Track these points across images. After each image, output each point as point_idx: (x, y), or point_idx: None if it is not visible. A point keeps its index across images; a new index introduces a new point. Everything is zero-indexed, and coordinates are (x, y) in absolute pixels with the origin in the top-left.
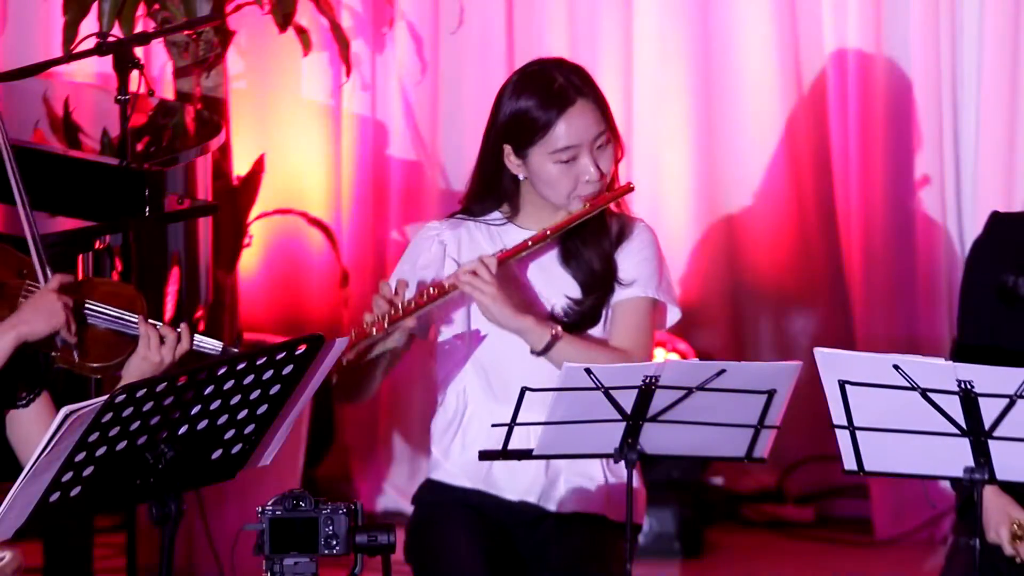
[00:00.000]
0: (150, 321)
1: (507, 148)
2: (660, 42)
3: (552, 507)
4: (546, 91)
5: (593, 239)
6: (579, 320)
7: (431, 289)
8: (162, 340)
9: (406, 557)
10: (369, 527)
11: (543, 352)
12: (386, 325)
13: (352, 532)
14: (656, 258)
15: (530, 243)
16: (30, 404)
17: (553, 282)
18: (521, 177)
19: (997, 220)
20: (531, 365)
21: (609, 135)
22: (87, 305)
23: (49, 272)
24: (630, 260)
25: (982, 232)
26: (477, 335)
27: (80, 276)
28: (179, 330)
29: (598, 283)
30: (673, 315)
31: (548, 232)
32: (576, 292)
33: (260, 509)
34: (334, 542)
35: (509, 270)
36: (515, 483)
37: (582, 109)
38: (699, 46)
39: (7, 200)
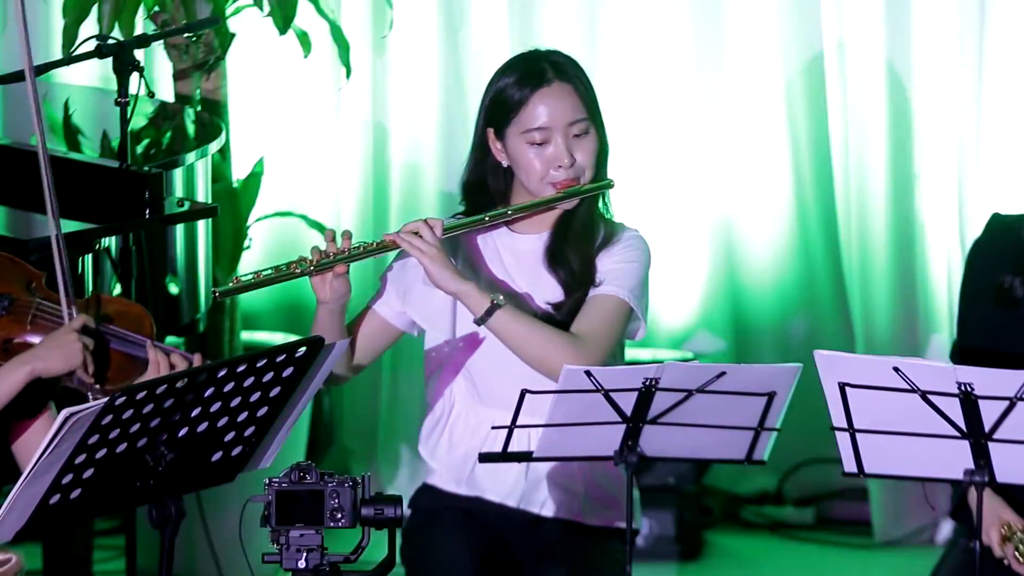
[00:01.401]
0: (159, 345)
1: (490, 132)
2: (660, 43)
3: (534, 510)
4: (526, 70)
5: (576, 239)
6: (559, 325)
7: (371, 243)
8: (172, 368)
9: (402, 560)
10: (376, 500)
11: (483, 320)
12: (312, 268)
13: (358, 505)
14: (638, 264)
15: (487, 218)
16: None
17: (539, 290)
18: (504, 164)
19: (997, 222)
20: (517, 369)
21: (589, 126)
22: (102, 327)
23: (74, 311)
24: (610, 260)
25: (982, 233)
26: (464, 338)
27: (92, 294)
28: (192, 358)
29: (577, 283)
30: (641, 331)
31: (509, 212)
32: (559, 297)
33: (267, 481)
34: (339, 515)
35: (464, 245)
36: (496, 485)
37: (559, 91)
38: (699, 47)
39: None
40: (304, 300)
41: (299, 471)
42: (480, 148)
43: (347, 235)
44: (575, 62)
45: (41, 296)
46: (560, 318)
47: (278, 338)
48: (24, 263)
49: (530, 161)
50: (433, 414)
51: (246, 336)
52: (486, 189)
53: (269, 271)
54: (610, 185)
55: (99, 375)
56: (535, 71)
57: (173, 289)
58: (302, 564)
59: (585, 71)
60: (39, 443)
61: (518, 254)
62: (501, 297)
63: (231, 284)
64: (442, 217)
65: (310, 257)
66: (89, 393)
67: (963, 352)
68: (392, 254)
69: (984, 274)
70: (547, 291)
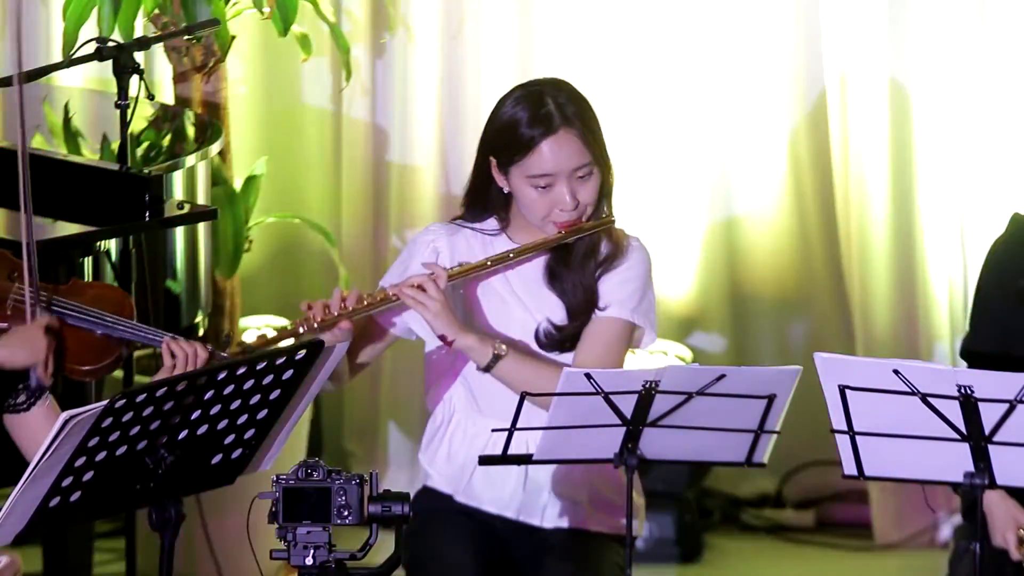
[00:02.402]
0: (178, 338)
1: (493, 161)
2: (662, 50)
3: (533, 521)
4: (533, 112)
5: (578, 265)
6: (559, 342)
7: (375, 296)
8: (196, 355)
9: (402, 562)
10: (383, 497)
11: (487, 369)
12: (316, 325)
13: (365, 502)
14: (640, 279)
15: (488, 263)
16: (31, 408)
17: (539, 303)
18: (506, 191)
19: (1019, 221)
20: None
21: (593, 167)
22: (76, 308)
23: (38, 311)
24: (613, 280)
25: (1003, 233)
26: None
27: (71, 280)
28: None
29: (580, 309)
30: (648, 339)
31: (511, 255)
32: (560, 314)
33: (275, 477)
34: (346, 512)
35: (465, 287)
36: (494, 496)
37: (564, 139)
38: (701, 54)
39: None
40: (305, 291)
41: (306, 468)
42: (482, 169)
43: (352, 292)
44: (579, 100)
45: (21, 283)
46: (563, 336)
47: (278, 323)
48: (7, 253)
49: (533, 201)
50: (433, 422)
51: (246, 321)
52: (487, 205)
53: (272, 332)
54: (611, 222)
55: (79, 356)
56: (541, 116)
57: (173, 292)
58: (309, 561)
59: (589, 104)
60: (38, 428)
61: (520, 270)
62: (504, 347)
63: (236, 350)
64: (442, 221)
65: (313, 313)
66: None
67: (976, 354)
68: (396, 240)
69: (1004, 273)
70: (549, 307)
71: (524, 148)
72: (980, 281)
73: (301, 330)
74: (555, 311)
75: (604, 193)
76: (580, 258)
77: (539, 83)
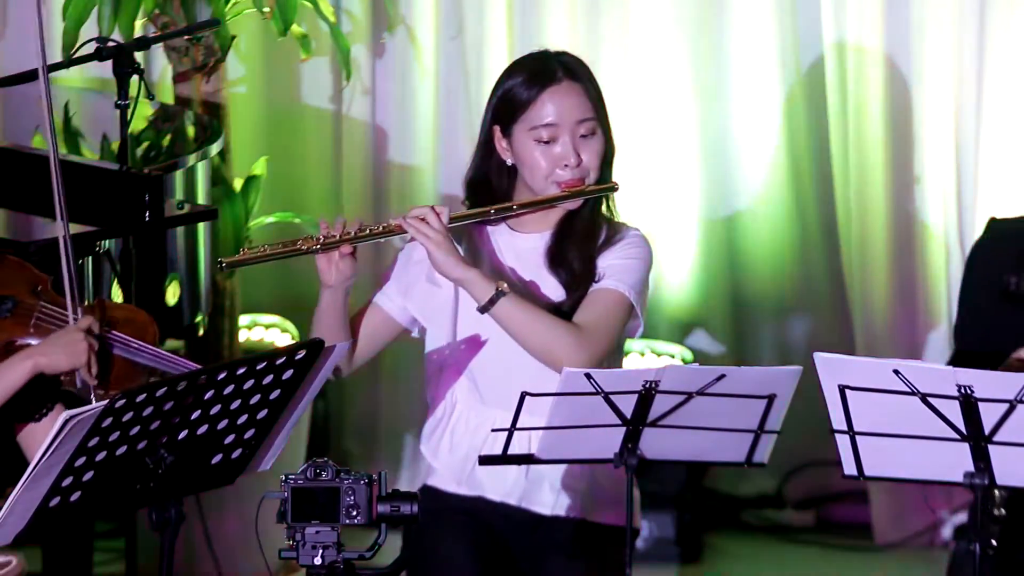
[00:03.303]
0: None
1: (496, 130)
2: (659, 48)
3: (535, 509)
4: (536, 69)
5: (579, 240)
6: (563, 316)
7: (377, 226)
8: None
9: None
10: (392, 497)
11: (487, 308)
12: (318, 246)
13: (374, 502)
14: (638, 260)
15: (492, 211)
16: (40, 419)
17: (539, 286)
18: (509, 162)
19: (996, 224)
20: (519, 369)
21: (596, 127)
22: (101, 332)
23: (79, 313)
24: (611, 256)
25: (982, 235)
26: (466, 340)
27: (97, 299)
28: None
29: (578, 283)
30: (638, 329)
31: (514, 206)
32: (560, 296)
33: (283, 477)
34: (355, 512)
35: (468, 241)
36: (496, 484)
37: (568, 89)
38: (698, 48)
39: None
40: (303, 309)
41: (315, 468)
42: (485, 146)
43: (355, 220)
44: (582, 63)
45: (46, 300)
46: (563, 314)
47: (279, 320)
48: (31, 267)
49: (536, 159)
50: (435, 415)
51: (246, 319)
52: (489, 187)
53: (276, 246)
54: (614, 188)
55: (102, 382)
56: (545, 70)
57: (173, 292)
58: (318, 560)
59: (592, 73)
60: (46, 435)
61: (520, 253)
62: (505, 285)
63: (237, 256)
64: None
65: (316, 235)
66: (92, 395)
67: (965, 355)
68: (397, 240)
69: (986, 273)
70: (548, 291)
71: (527, 102)
72: (964, 281)
73: (304, 247)
74: (555, 296)
75: (606, 162)
76: (582, 233)
77: (542, 50)
